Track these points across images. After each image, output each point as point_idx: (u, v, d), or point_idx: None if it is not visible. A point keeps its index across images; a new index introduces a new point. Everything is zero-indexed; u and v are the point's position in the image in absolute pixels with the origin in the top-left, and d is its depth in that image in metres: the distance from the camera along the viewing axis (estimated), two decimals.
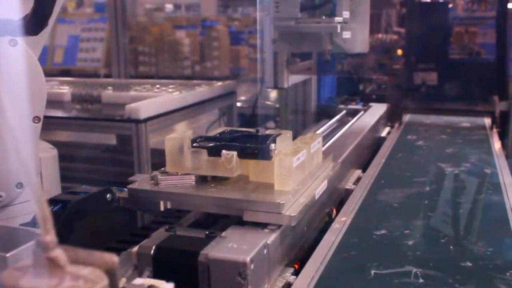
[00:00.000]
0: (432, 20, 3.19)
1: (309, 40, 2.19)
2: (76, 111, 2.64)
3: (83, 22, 6.15)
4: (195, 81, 3.29)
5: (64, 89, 2.95)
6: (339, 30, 2.04)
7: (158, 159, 2.38)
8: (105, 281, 0.60)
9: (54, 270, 0.58)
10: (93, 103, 2.70)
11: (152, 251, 1.15)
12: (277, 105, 3.66)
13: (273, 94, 4.20)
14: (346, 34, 2.10)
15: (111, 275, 0.64)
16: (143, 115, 2.29)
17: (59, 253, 0.59)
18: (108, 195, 1.39)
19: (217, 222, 1.45)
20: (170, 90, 2.90)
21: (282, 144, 1.42)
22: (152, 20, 13.30)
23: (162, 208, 1.33)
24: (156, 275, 1.14)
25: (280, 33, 2.17)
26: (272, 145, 1.36)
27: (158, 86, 3.12)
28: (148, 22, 12.74)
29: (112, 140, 3.82)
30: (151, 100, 2.48)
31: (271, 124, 3.97)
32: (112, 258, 0.66)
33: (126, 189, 1.38)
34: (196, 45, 12.03)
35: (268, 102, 4.06)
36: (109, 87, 3.07)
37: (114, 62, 3.75)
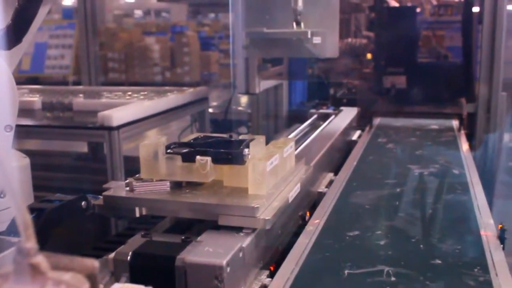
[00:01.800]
0: (401, 25, 3.25)
1: (280, 46, 2.22)
2: (47, 119, 2.62)
3: (51, 28, 6.07)
4: (167, 88, 3.30)
5: (35, 97, 2.92)
6: (309, 36, 2.07)
7: (130, 166, 2.39)
8: (86, 286, 0.61)
9: (35, 276, 0.59)
10: (65, 111, 2.68)
11: (128, 257, 1.16)
12: (249, 111, 3.69)
13: (244, 99, 4.23)
14: (316, 40, 2.14)
15: (92, 280, 0.65)
16: (116, 122, 2.29)
17: (40, 259, 0.60)
18: (83, 203, 1.40)
19: (192, 227, 1.46)
20: (142, 97, 2.90)
21: (256, 149, 1.44)
22: (121, 26, 13.21)
23: (137, 215, 1.34)
24: (133, 281, 1.14)
25: (251, 39, 2.20)
26: (246, 150, 1.38)
27: (129, 93, 3.12)
28: (117, 28, 12.64)
29: (83, 148, 3.80)
30: (124, 107, 2.47)
31: (243, 129, 3.99)
32: (93, 263, 0.67)
33: (101, 197, 1.39)
34: (166, 51, 11.99)
35: (240, 108, 4.08)
36: (80, 95, 3.06)
37: (85, 69, 3.73)
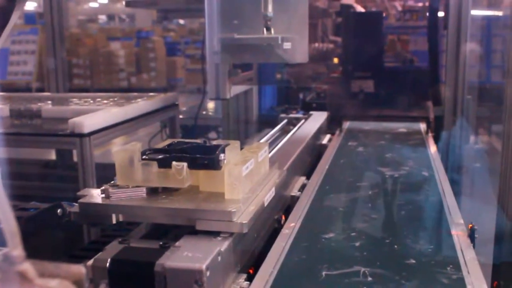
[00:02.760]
0: (367, 30, 3.30)
1: (250, 51, 2.24)
2: (16, 127, 2.58)
3: (13, 34, 5.97)
4: (136, 94, 3.28)
5: (1, 104, 2.88)
6: (280, 42, 2.10)
7: (99, 173, 2.38)
8: None
9: (23, 283, 0.59)
10: (33, 118, 2.65)
11: (107, 264, 1.16)
12: (219, 116, 3.69)
13: (211, 105, 4.23)
14: (287, 45, 2.16)
15: (80, 286, 0.66)
16: (87, 129, 2.28)
17: (27, 266, 0.60)
18: (58, 210, 1.39)
19: (168, 232, 1.47)
20: (112, 103, 2.88)
21: (231, 154, 1.45)
22: (86, 32, 13.04)
23: (114, 221, 1.34)
24: (112, 287, 1.15)
25: (222, 44, 2.21)
26: (222, 155, 1.39)
27: (99, 99, 3.09)
28: (81, 33, 12.48)
29: (49, 155, 3.75)
30: (95, 113, 2.46)
31: (213, 134, 4.00)
32: (80, 269, 0.68)
33: (76, 204, 1.38)
34: (132, 56, 11.90)
35: (207, 113, 4.08)
36: (48, 101, 3.02)
37: (52, 76, 3.68)
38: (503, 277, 1.41)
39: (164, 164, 1.38)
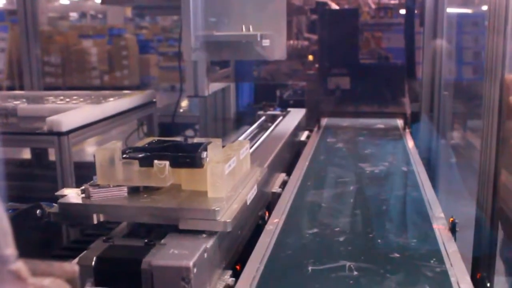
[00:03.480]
0: (342, 27, 3.32)
1: (229, 48, 2.24)
2: None
3: None
4: (113, 92, 3.25)
5: None
6: (259, 39, 2.10)
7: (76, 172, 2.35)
8: None
9: (15, 283, 0.58)
10: (9, 117, 2.61)
11: (93, 262, 1.15)
12: (196, 114, 3.68)
13: (185, 103, 4.21)
14: (265, 42, 2.17)
15: (73, 284, 0.65)
16: (65, 127, 2.25)
17: (20, 265, 0.59)
18: (38, 211, 1.37)
19: (150, 232, 1.46)
20: (89, 101, 2.85)
21: (213, 152, 1.45)
22: (57, 29, 12.85)
23: (95, 221, 1.32)
24: (98, 286, 1.14)
25: (201, 41, 2.21)
26: (204, 153, 1.39)
27: (75, 97, 3.05)
28: (52, 31, 12.29)
29: (24, 154, 3.70)
30: (73, 112, 2.43)
31: (190, 132, 3.98)
32: (73, 267, 0.67)
33: (55, 204, 1.36)
34: (104, 54, 11.80)
35: (182, 111, 4.06)
36: (23, 100, 2.98)
37: (26, 74, 3.62)
38: (481, 270, 1.44)
39: (146, 163, 1.37)
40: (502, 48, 1.36)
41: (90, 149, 5.70)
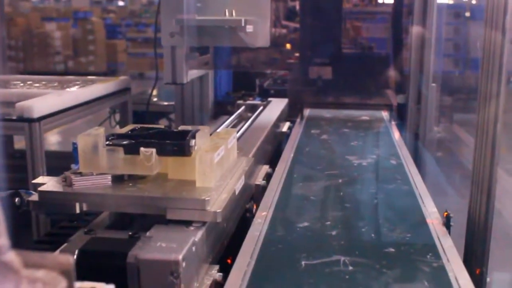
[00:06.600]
0: (325, 15, 3.25)
1: (211, 34, 2.17)
2: None
3: None
4: (87, 78, 3.13)
5: None
6: (243, 24, 2.03)
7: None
8: (63, 283, 0.57)
9: (8, 274, 0.54)
10: None
11: (75, 255, 1.08)
12: (169, 103, 3.58)
13: (156, 91, 4.10)
14: (249, 28, 2.11)
15: (68, 276, 0.60)
16: (36, 113, 2.14)
17: (12, 256, 0.55)
18: (16, 199, 1.29)
19: (133, 222, 1.40)
20: (60, 87, 2.74)
21: (201, 140, 1.39)
22: (18, 11, 12.38)
23: (77, 211, 1.26)
24: (80, 280, 1.07)
25: (180, 26, 2.13)
26: (192, 141, 1.33)
27: (44, 82, 2.93)
28: (13, 12, 11.80)
29: None
30: (44, 97, 2.32)
31: (164, 122, 3.88)
32: (68, 259, 0.62)
33: (34, 193, 1.29)
34: (69, 38, 11.45)
35: (155, 99, 3.96)
36: None
37: None
38: (475, 264, 1.41)
39: (131, 150, 1.30)
40: (500, 42, 1.33)
41: (53, 138, 5.55)
